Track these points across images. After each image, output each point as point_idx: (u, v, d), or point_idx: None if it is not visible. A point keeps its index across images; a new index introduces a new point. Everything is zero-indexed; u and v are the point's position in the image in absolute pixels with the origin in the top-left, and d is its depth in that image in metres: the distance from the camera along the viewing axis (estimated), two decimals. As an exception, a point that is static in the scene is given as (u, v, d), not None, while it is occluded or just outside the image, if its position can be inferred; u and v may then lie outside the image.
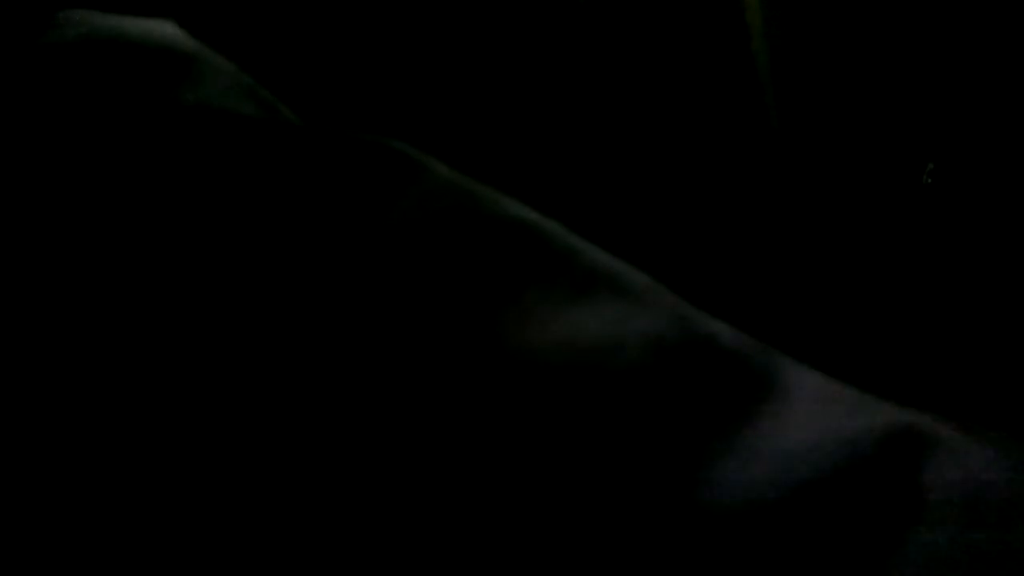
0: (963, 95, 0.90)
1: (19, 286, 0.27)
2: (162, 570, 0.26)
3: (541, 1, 0.94)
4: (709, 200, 0.95)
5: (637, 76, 0.96)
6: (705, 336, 0.31)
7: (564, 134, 0.94)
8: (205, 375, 0.27)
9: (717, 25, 0.95)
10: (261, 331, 0.28)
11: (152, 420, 0.27)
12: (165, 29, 0.35)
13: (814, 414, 0.29)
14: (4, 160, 0.29)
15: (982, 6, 0.89)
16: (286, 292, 0.28)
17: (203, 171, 0.30)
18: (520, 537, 0.26)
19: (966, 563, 0.25)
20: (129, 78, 0.33)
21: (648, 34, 0.96)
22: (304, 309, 0.28)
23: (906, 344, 0.88)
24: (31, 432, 0.27)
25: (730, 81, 0.95)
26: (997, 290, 0.87)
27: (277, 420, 0.27)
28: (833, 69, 0.94)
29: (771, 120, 0.94)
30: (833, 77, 0.94)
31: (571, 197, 0.92)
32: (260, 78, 0.38)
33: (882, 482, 0.26)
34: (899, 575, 0.25)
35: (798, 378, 0.30)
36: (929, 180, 0.89)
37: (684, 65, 0.96)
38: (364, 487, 0.27)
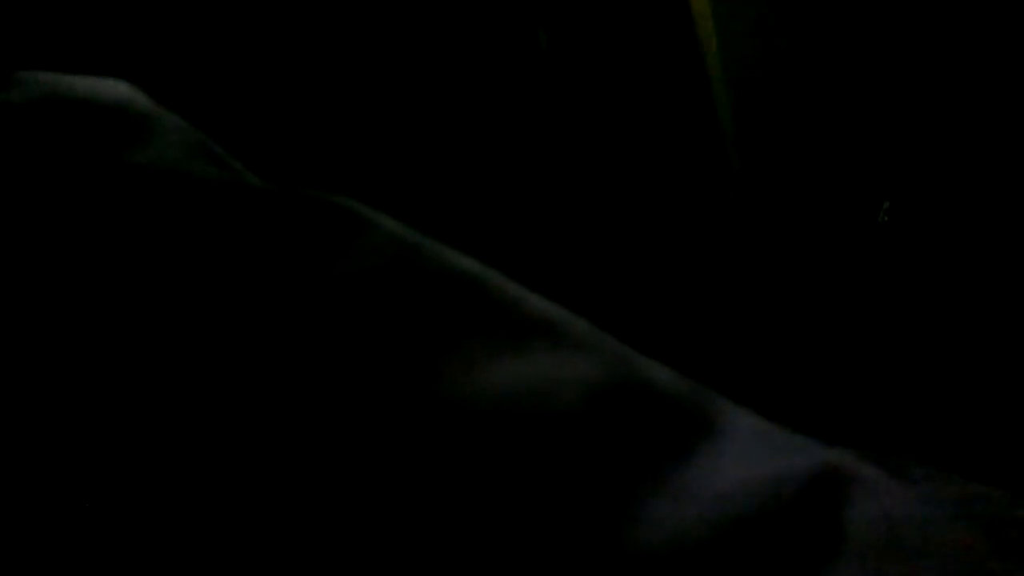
0: (918, 135, 0.91)
1: None
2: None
3: (501, 47, 0.95)
4: (670, 242, 0.96)
5: (598, 120, 0.97)
6: (641, 380, 0.32)
7: (524, 181, 0.95)
8: (141, 449, 0.28)
9: (678, 70, 0.97)
10: (199, 388, 0.29)
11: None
12: (119, 89, 0.36)
13: (745, 455, 0.30)
14: None
15: (936, 48, 0.91)
16: (218, 352, 0.29)
17: (150, 232, 0.30)
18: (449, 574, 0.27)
19: None
20: (81, 138, 0.34)
21: (609, 78, 0.98)
22: (237, 369, 0.29)
23: (863, 378, 0.90)
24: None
25: (691, 121, 0.97)
26: (952, 325, 0.89)
27: (210, 485, 0.28)
28: (792, 110, 0.96)
29: (732, 161, 0.96)
30: (792, 118, 0.95)
31: (529, 243, 0.93)
32: (214, 134, 0.39)
33: (803, 521, 0.27)
34: None
35: (734, 419, 0.31)
36: (885, 218, 0.90)
37: (646, 109, 0.98)
38: (302, 536, 0.27)
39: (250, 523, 0.27)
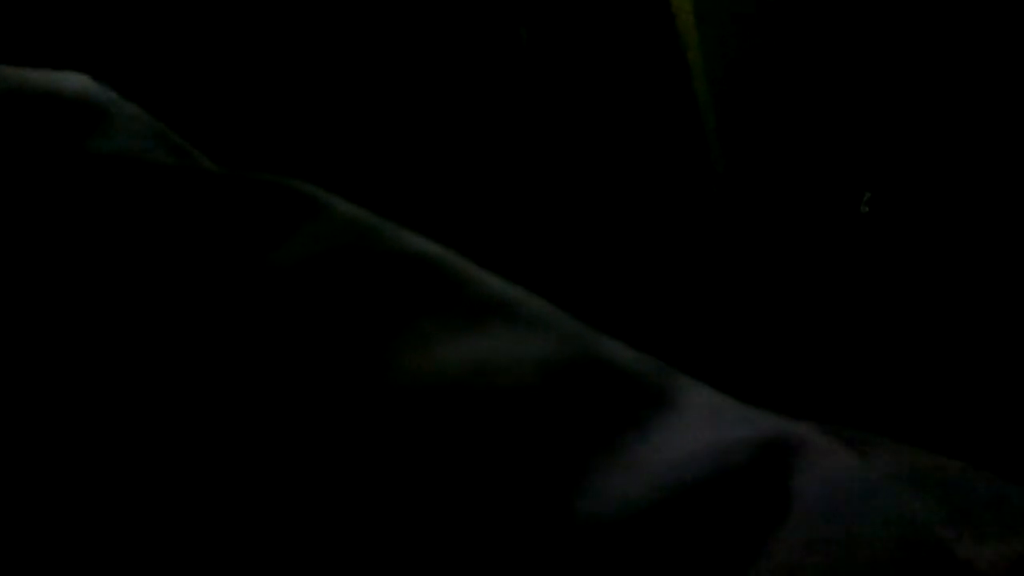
0: (898, 126, 0.91)
1: None
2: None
3: (483, 43, 0.95)
4: (651, 235, 0.96)
5: (579, 117, 0.97)
6: (597, 355, 0.32)
7: (504, 177, 0.95)
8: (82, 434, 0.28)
9: (658, 64, 0.97)
10: (148, 370, 0.29)
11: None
12: (78, 81, 0.37)
13: (699, 427, 0.30)
14: None
15: (915, 41, 0.91)
16: (166, 337, 0.29)
17: (110, 219, 0.31)
18: (402, 551, 0.27)
19: (821, 560, 0.26)
20: (43, 130, 0.34)
21: (590, 75, 0.98)
22: (185, 353, 0.29)
23: (845, 367, 0.90)
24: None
25: (671, 115, 0.97)
26: (932, 314, 0.89)
27: (149, 471, 0.28)
28: (773, 102, 0.96)
29: (713, 153, 0.96)
30: (773, 110, 0.96)
31: (509, 240, 0.93)
32: (176, 124, 0.40)
33: (752, 487, 0.28)
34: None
35: (689, 392, 0.32)
36: (866, 209, 0.90)
37: (627, 104, 0.98)
38: (257, 516, 0.28)
39: (197, 503, 0.28)
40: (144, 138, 0.36)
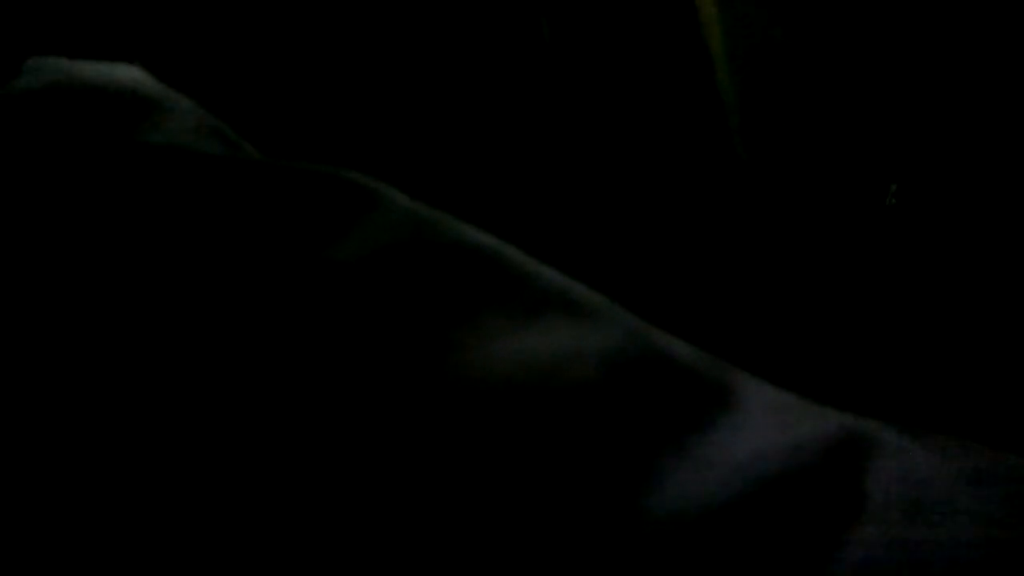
0: (925, 117, 0.91)
1: None
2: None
3: (505, 35, 0.95)
4: (678, 223, 0.96)
5: (602, 110, 0.97)
6: (659, 352, 0.32)
7: (531, 164, 0.95)
8: (161, 425, 0.28)
9: (681, 57, 0.97)
10: (220, 365, 0.29)
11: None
12: (131, 73, 0.37)
13: (765, 423, 0.30)
14: None
15: (942, 31, 0.91)
16: (237, 331, 0.29)
17: (164, 210, 0.31)
18: (476, 550, 0.27)
19: (903, 559, 0.26)
20: (95, 122, 0.34)
21: (612, 68, 0.98)
22: (255, 348, 0.29)
23: (873, 361, 0.90)
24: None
25: (695, 108, 0.97)
26: (960, 307, 0.89)
27: (232, 456, 0.28)
28: (797, 94, 0.96)
29: (737, 147, 0.96)
30: (797, 102, 0.95)
31: (537, 222, 0.93)
32: (227, 117, 0.40)
33: (826, 485, 0.27)
34: (838, 574, 0.26)
35: (751, 390, 0.31)
36: (893, 201, 0.90)
37: (650, 97, 0.98)
38: (326, 505, 0.27)
39: (262, 496, 0.28)
40: (197, 131, 0.36)
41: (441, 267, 0.32)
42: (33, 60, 0.36)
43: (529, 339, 0.31)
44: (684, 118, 0.97)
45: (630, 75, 0.98)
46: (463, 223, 0.34)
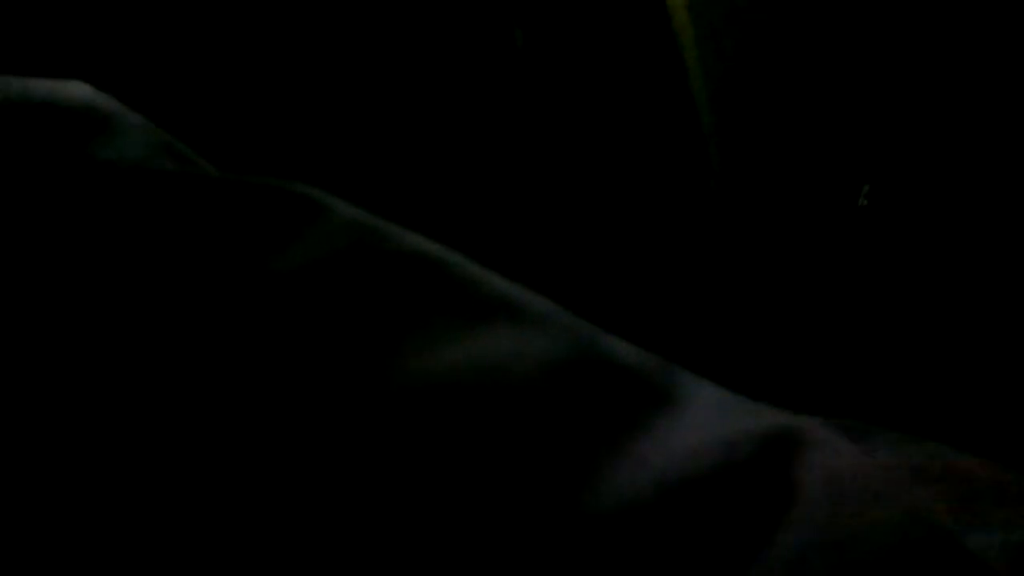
0: (897, 119, 0.92)
1: None
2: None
3: (477, 44, 0.95)
4: (651, 231, 0.96)
5: (576, 118, 0.98)
6: (601, 353, 0.32)
7: (501, 180, 0.95)
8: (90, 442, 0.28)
9: (654, 62, 0.97)
10: (149, 376, 0.29)
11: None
12: (80, 89, 0.37)
13: (702, 422, 0.30)
14: None
15: (914, 32, 0.91)
16: (175, 347, 0.29)
17: (104, 225, 0.31)
18: (408, 550, 0.27)
19: (827, 549, 0.27)
20: (44, 138, 0.34)
21: (586, 75, 0.98)
22: (195, 364, 0.29)
23: (847, 362, 0.90)
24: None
25: (668, 112, 0.97)
26: (932, 307, 0.89)
27: (160, 478, 0.28)
28: (770, 96, 0.96)
29: (712, 154, 0.96)
30: (770, 104, 0.96)
31: (506, 243, 0.93)
32: (184, 133, 0.40)
33: (755, 480, 0.28)
34: (765, 568, 0.26)
35: (692, 389, 0.32)
36: (865, 201, 0.90)
37: (624, 104, 0.98)
38: (267, 516, 0.28)
39: (200, 505, 0.28)
40: (148, 146, 0.36)
41: (383, 275, 0.32)
42: (-18, 78, 0.37)
43: (471, 344, 0.31)
44: (658, 126, 0.97)
45: (604, 84, 0.98)
46: (408, 231, 0.34)
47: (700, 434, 0.29)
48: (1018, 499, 0.30)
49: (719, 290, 0.94)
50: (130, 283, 0.30)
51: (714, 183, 0.96)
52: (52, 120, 0.35)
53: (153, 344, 0.30)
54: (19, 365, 0.29)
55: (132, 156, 0.35)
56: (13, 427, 0.29)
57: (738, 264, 0.94)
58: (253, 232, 0.31)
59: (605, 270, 0.95)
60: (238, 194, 0.32)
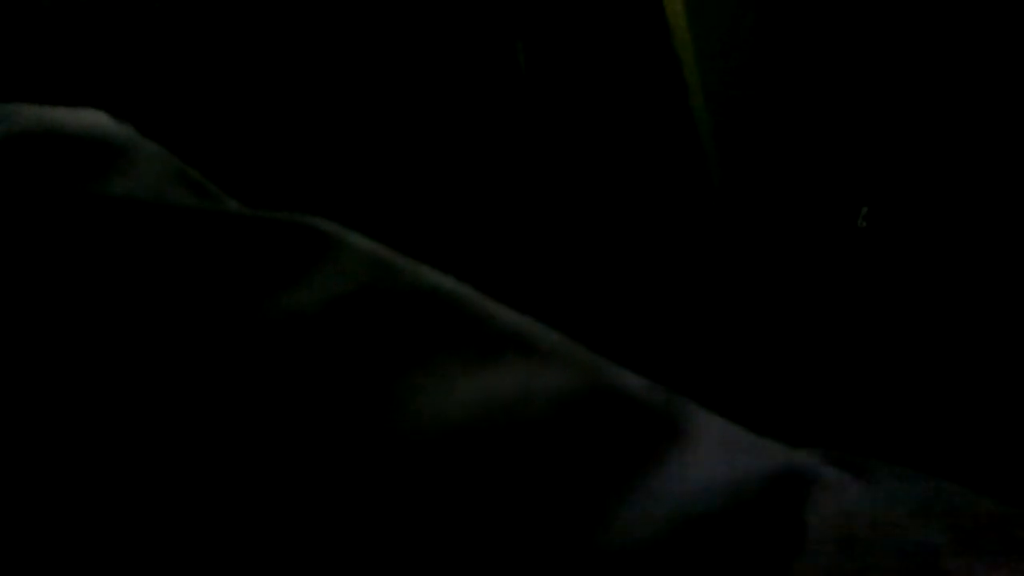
0: (895, 141, 0.92)
1: None
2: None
3: (480, 60, 0.96)
4: (650, 252, 0.96)
5: (577, 134, 0.98)
6: (612, 388, 0.32)
7: (504, 195, 0.95)
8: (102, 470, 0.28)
9: (655, 81, 0.98)
10: (173, 419, 0.29)
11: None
12: (96, 119, 0.37)
13: (712, 458, 0.31)
14: None
15: (913, 57, 0.91)
16: (187, 385, 0.30)
17: (111, 264, 0.31)
18: None
19: None
20: (57, 170, 0.34)
21: (587, 91, 0.98)
22: (207, 401, 0.29)
23: (842, 381, 0.90)
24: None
25: (669, 131, 0.97)
26: (930, 328, 0.89)
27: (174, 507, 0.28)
28: (769, 118, 0.96)
29: (712, 170, 0.97)
30: (769, 126, 0.96)
31: (508, 258, 0.94)
32: (197, 156, 0.40)
33: (764, 519, 0.28)
34: None
35: (701, 424, 0.32)
36: (864, 223, 0.91)
37: (624, 121, 0.98)
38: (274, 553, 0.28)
39: (219, 546, 0.28)
40: (163, 177, 0.36)
41: (397, 311, 0.32)
42: (0, 107, 0.37)
43: (484, 380, 0.31)
44: (658, 143, 0.98)
45: (605, 99, 0.98)
46: (421, 265, 0.35)
47: (710, 471, 0.30)
48: (1018, 534, 0.30)
49: (716, 306, 0.94)
50: (140, 319, 0.31)
51: (713, 200, 0.96)
52: (66, 151, 0.35)
53: (163, 379, 0.30)
54: (28, 398, 0.29)
55: (147, 188, 0.35)
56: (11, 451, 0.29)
57: (736, 282, 0.94)
58: (267, 268, 0.32)
59: (605, 284, 0.95)
60: (253, 229, 0.32)
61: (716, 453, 0.31)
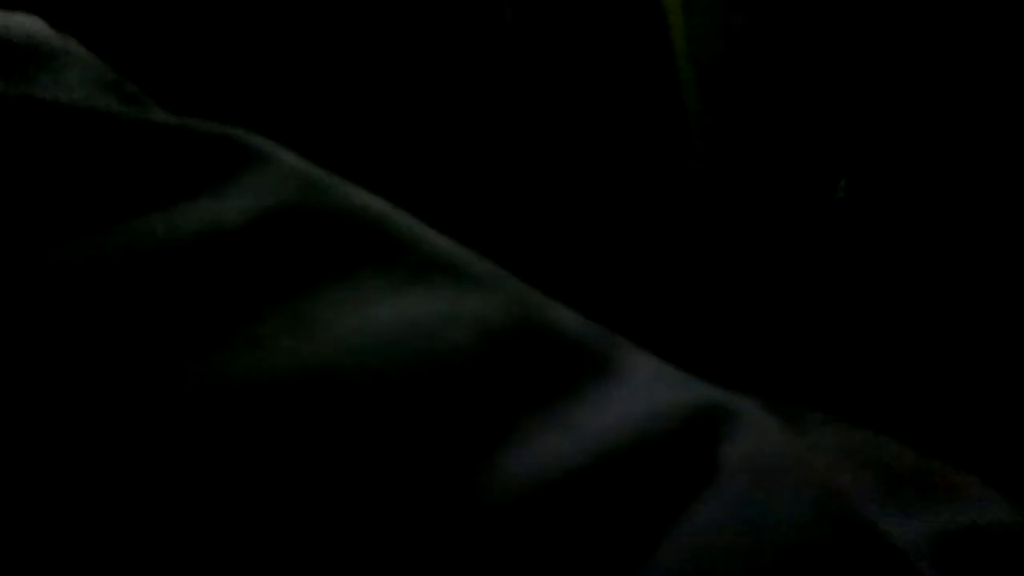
0: (875, 112, 0.91)
1: None
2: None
3: (466, 22, 0.95)
4: (636, 214, 0.96)
5: (564, 95, 0.97)
6: (541, 319, 0.32)
7: (487, 162, 0.95)
8: None
9: (642, 45, 0.97)
10: (72, 329, 0.28)
11: None
12: (29, 23, 0.36)
13: (636, 393, 0.30)
14: None
15: (892, 27, 0.91)
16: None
17: (34, 165, 0.30)
18: (325, 511, 0.27)
19: (739, 526, 0.26)
20: None
21: (574, 54, 0.98)
22: (107, 311, 0.28)
23: (823, 353, 0.90)
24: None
25: (655, 98, 0.97)
26: (908, 300, 0.89)
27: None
28: (755, 89, 0.96)
29: (695, 139, 0.96)
30: (755, 97, 0.96)
31: (491, 226, 0.93)
32: (134, 74, 0.39)
33: (678, 453, 0.27)
34: (680, 539, 0.26)
35: (631, 361, 0.31)
36: (842, 195, 0.90)
37: (612, 84, 0.98)
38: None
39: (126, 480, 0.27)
40: (95, 84, 0.35)
41: (321, 228, 0.31)
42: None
43: (408, 302, 0.31)
44: (643, 104, 0.97)
45: (591, 59, 0.98)
46: (352, 185, 0.34)
47: (632, 404, 0.29)
48: (940, 488, 0.30)
49: (697, 275, 0.94)
50: (50, 223, 0.30)
51: (697, 167, 0.95)
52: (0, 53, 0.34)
53: (70, 286, 0.29)
54: None
55: (76, 95, 0.34)
56: None
57: (716, 250, 0.94)
58: (183, 177, 0.31)
59: (586, 250, 0.94)
60: (175, 137, 0.31)
61: (642, 388, 0.30)
